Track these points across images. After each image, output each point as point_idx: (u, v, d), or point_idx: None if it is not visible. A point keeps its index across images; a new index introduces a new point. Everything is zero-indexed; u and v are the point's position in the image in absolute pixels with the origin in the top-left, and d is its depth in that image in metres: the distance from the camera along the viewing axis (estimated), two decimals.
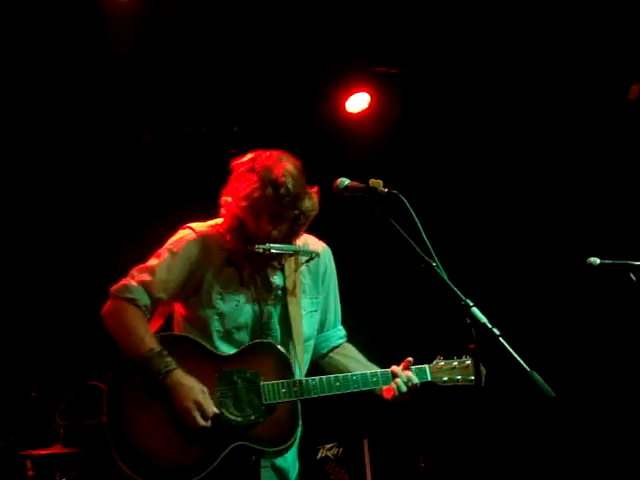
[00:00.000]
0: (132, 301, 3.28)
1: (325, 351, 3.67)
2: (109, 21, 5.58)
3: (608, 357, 6.49)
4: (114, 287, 3.34)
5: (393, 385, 3.40)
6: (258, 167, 3.33)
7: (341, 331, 3.74)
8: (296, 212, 3.33)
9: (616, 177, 6.57)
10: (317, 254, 3.50)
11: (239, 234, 3.37)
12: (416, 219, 2.92)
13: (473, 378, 3.48)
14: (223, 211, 3.43)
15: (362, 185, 3.17)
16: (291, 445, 3.30)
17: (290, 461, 3.47)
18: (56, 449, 5.70)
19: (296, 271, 3.48)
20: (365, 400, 3.52)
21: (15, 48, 5.68)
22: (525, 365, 2.57)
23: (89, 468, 5.99)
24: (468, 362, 3.50)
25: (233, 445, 3.20)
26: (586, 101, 6.44)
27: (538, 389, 2.54)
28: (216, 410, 3.18)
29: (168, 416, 3.17)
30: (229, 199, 3.38)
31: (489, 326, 2.66)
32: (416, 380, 3.43)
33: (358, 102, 6.81)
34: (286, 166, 3.33)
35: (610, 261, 4.15)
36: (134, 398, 3.20)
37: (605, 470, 6.36)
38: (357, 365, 3.56)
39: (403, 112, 6.84)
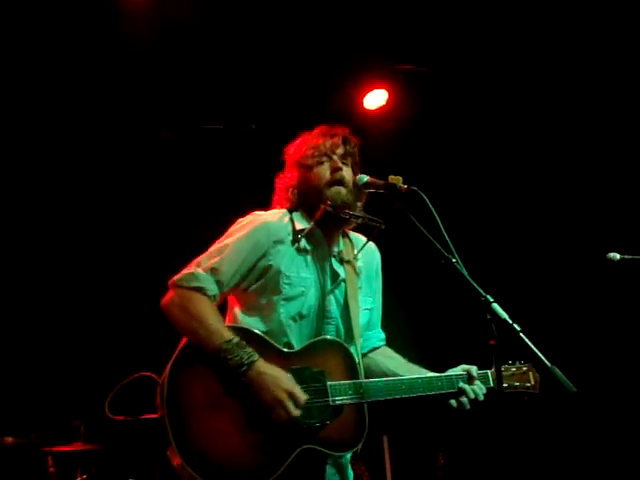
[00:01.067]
0: (200, 290, 3.11)
1: (365, 351, 3.51)
2: (127, 18, 5.60)
3: (628, 352, 6.46)
4: (177, 277, 3.16)
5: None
6: (308, 132, 3.44)
7: (382, 333, 3.62)
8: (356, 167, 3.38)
9: (636, 172, 6.53)
10: (382, 223, 3.33)
11: (303, 200, 3.35)
12: (436, 215, 2.92)
13: (530, 385, 3.47)
14: (279, 184, 3.44)
15: (381, 181, 3.18)
16: (357, 448, 3.17)
17: (349, 459, 3.38)
18: (77, 446, 5.75)
19: (354, 259, 3.41)
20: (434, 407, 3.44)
21: (34, 46, 5.71)
22: (546, 361, 2.57)
23: (110, 465, 6.04)
24: (524, 368, 3.49)
25: (300, 448, 3.04)
26: (608, 94, 6.39)
27: (559, 385, 2.53)
28: (306, 397, 3.03)
29: (237, 414, 3.00)
30: (283, 177, 3.42)
31: (510, 322, 2.66)
32: (484, 390, 3.34)
33: (376, 99, 6.81)
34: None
35: (630, 256, 4.13)
36: (198, 393, 3.00)
37: (627, 466, 6.34)
38: (398, 365, 3.44)
39: (421, 109, 6.84)
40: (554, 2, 5.80)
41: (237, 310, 3.30)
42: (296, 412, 3.00)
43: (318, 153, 3.32)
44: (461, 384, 3.31)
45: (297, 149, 3.40)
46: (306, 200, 3.34)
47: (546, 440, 6.73)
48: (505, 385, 3.42)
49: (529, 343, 2.64)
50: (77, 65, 5.97)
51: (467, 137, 7.00)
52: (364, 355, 3.52)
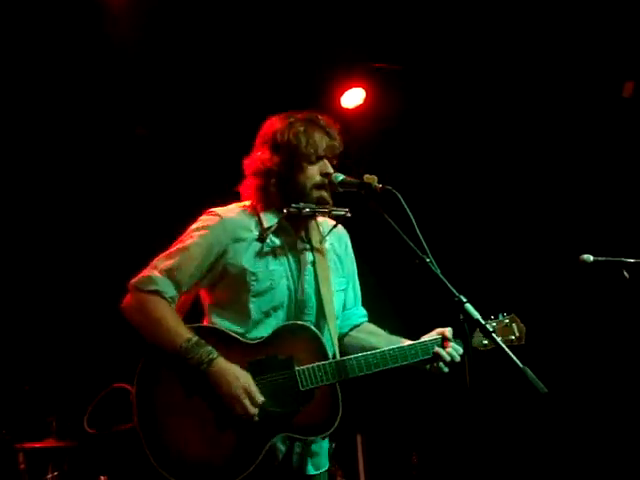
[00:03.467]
0: (157, 293, 3.10)
1: (346, 330, 3.49)
2: (104, 14, 5.57)
3: (601, 354, 6.50)
4: (135, 279, 3.15)
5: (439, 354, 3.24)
6: (301, 117, 3.32)
7: (362, 310, 3.58)
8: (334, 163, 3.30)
9: (609, 174, 6.58)
10: (347, 212, 3.29)
11: (280, 191, 3.25)
12: (410, 215, 2.93)
13: (514, 338, 3.36)
14: (253, 162, 3.31)
15: (356, 180, 3.17)
16: (333, 430, 3.14)
17: (322, 446, 3.33)
18: (49, 442, 5.70)
19: (321, 242, 3.36)
20: (411, 380, 3.35)
21: (8, 41, 5.65)
22: (518, 361, 2.58)
23: (82, 462, 5.99)
24: (506, 321, 3.38)
25: (275, 437, 3.06)
26: (580, 98, 6.44)
27: (531, 385, 2.54)
28: (262, 399, 3.03)
29: (206, 412, 3.03)
30: (261, 158, 3.28)
31: (482, 322, 2.67)
32: (461, 351, 3.24)
33: (353, 97, 6.80)
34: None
35: (603, 258, 4.14)
36: (167, 397, 3.04)
37: (595, 465, 6.38)
38: (380, 339, 3.38)
39: (398, 108, 6.83)
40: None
41: (210, 310, 3.29)
42: (253, 410, 3.00)
43: (315, 152, 3.23)
44: (436, 348, 3.26)
45: (285, 133, 3.27)
46: (283, 193, 3.26)
47: (518, 438, 6.76)
48: (486, 342, 3.28)
49: (501, 343, 2.65)
50: (53, 62, 5.92)
51: (444, 136, 7.01)
52: (345, 334, 3.49)
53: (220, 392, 3.01)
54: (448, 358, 3.26)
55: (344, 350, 3.34)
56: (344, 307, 3.50)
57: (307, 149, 3.23)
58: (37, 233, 6.69)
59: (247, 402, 3.00)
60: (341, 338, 3.46)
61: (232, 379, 3.01)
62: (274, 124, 3.33)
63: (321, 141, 3.25)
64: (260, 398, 3.03)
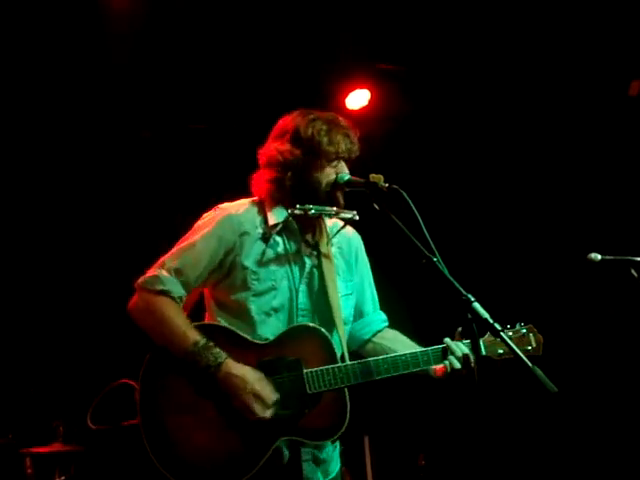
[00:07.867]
0: (165, 293, 3.08)
1: (368, 336, 3.47)
2: (108, 16, 5.57)
3: (609, 353, 6.48)
4: (142, 279, 3.13)
5: (446, 362, 3.15)
6: (322, 116, 3.30)
7: (382, 315, 3.55)
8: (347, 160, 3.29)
9: (617, 173, 6.56)
10: (354, 214, 3.27)
11: (293, 187, 3.23)
12: (417, 214, 2.92)
13: (531, 348, 3.29)
14: (272, 150, 3.28)
15: (362, 180, 3.16)
16: (338, 436, 3.09)
17: (331, 453, 3.30)
18: (55, 447, 5.69)
19: (328, 244, 3.32)
20: (420, 383, 3.31)
21: (12, 43, 5.65)
22: (527, 360, 2.56)
23: (88, 466, 5.99)
24: (523, 331, 3.30)
25: (280, 440, 3.03)
26: (586, 97, 6.42)
27: (540, 385, 2.52)
28: (275, 397, 3.01)
29: (212, 413, 3.02)
30: (279, 149, 3.26)
31: (491, 321, 2.65)
32: (467, 351, 3.13)
33: (358, 99, 6.79)
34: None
35: (611, 257, 4.13)
36: (171, 396, 3.03)
37: (606, 465, 6.36)
38: (405, 348, 3.29)
39: (403, 109, 6.82)
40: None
41: (212, 308, 3.27)
42: (264, 414, 2.99)
43: (335, 152, 3.23)
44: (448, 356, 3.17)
45: (309, 129, 3.24)
46: (296, 189, 3.24)
47: (527, 439, 6.73)
48: (501, 351, 3.23)
49: (510, 343, 2.64)
50: (58, 64, 5.92)
51: (450, 136, 7.00)
52: (368, 341, 3.47)
53: (230, 398, 3.00)
54: (448, 370, 3.15)
55: (368, 356, 3.29)
56: (362, 313, 3.49)
57: (328, 147, 3.22)
58: (40, 236, 6.69)
59: (257, 407, 2.99)
60: (364, 344, 3.47)
61: (240, 383, 2.99)
62: (295, 119, 3.31)
63: (342, 142, 3.24)
64: (272, 399, 3.01)
